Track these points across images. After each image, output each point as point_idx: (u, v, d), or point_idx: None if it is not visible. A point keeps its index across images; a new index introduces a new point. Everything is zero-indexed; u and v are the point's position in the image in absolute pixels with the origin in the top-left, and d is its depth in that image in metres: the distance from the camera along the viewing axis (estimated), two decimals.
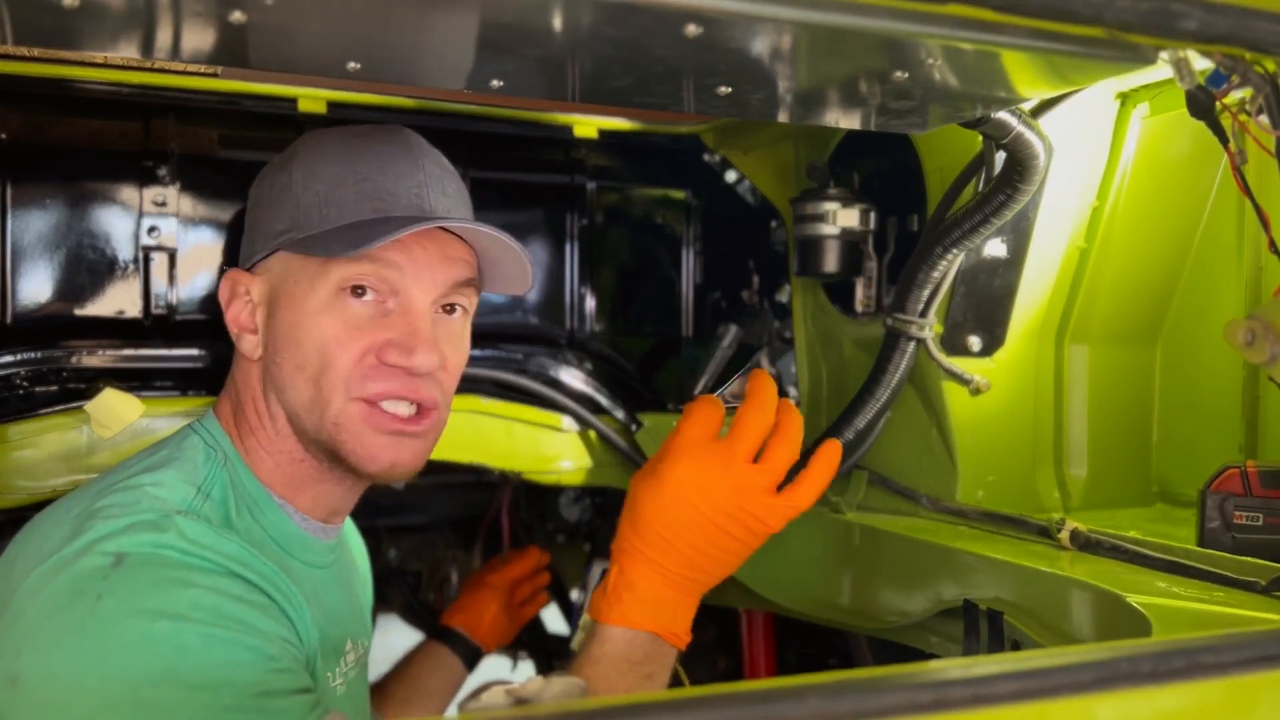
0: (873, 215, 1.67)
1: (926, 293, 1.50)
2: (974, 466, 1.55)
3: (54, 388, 1.51)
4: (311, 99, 1.65)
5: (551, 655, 2.05)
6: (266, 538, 1.13)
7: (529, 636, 2.03)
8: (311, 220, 1.15)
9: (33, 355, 1.50)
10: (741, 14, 0.84)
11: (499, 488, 2.00)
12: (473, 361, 1.73)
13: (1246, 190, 1.06)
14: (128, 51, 0.96)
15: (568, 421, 1.76)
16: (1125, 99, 1.44)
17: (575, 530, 2.06)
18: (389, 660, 1.77)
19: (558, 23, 0.88)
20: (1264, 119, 0.98)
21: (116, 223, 1.55)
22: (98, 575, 0.94)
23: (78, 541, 0.97)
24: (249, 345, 1.18)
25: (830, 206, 1.65)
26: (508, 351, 1.80)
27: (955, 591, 1.38)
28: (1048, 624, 1.24)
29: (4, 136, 1.48)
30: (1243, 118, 1.03)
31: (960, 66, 1.02)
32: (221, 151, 1.61)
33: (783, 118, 1.21)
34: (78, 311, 1.54)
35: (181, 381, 1.59)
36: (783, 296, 1.96)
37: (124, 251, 1.56)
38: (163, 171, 1.56)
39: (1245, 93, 1.01)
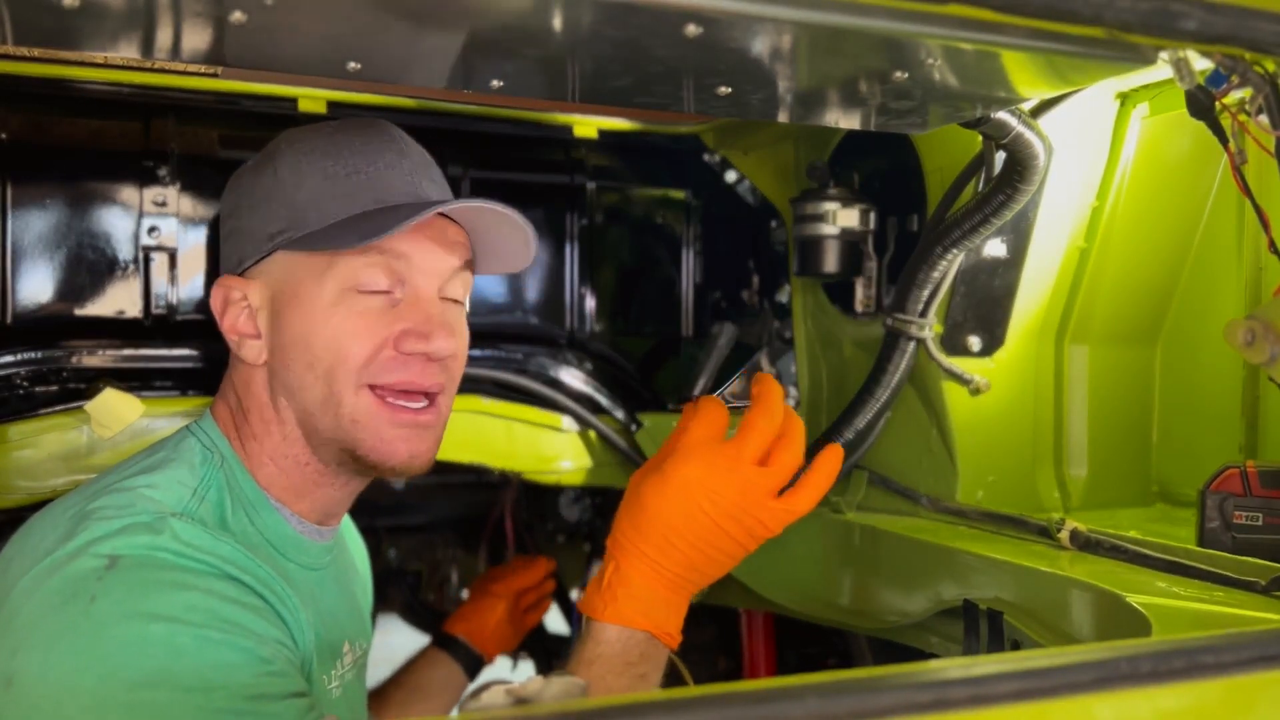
0: (873, 215, 1.67)
1: (926, 293, 1.50)
2: (974, 466, 1.55)
3: (54, 388, 1.51)
4: (311, 99, 1.65)
5: (551, 655, 2.06)
6: (262, 540, 1.13)
7: (529, 636, 2.03)
8: (309, 217, 1.14)
9: (33, 355, 1.50)
10: (741, 14, 0.84)
11: (500, 488, 2.00)
12: (473, 361, 1.74)
13: (1246, 190, 1.06)
14: (128, 51, 0.96)
15: (568, 421, 1.76)
16: (1125, 99, 1.44)
17: (575, 530, 2.06)
18: (389, 662, 1.77)
19: (558, 23, 0.88)
20: (1264, 119, 0.98)
21: (116, 223, 1.55)
22: (92, 577, 0.94)
23: (72, 543, 0.97)
24: (252, 351, 1.16)
25: (830, 206, 1.65)
26: (508, 351, 1.80)
27: (955, 591, 1.38)
28: (1048, 624, 1.24)
29: (4, 136, 1.48)
30: (1242, 118, 1.03)
31: (960, 66, 1.02)
32: (221, 151, 1.61)
33: (783, 118, 1.21)
34: (78, 311, 1.54)
35: (181, 381, 1.59)
36: (783, 296, 1.96)
37: (124, 251, 1.56)
38: (163, 171, 1.56)
39: (1245, 93, 1.01)
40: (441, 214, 1.16)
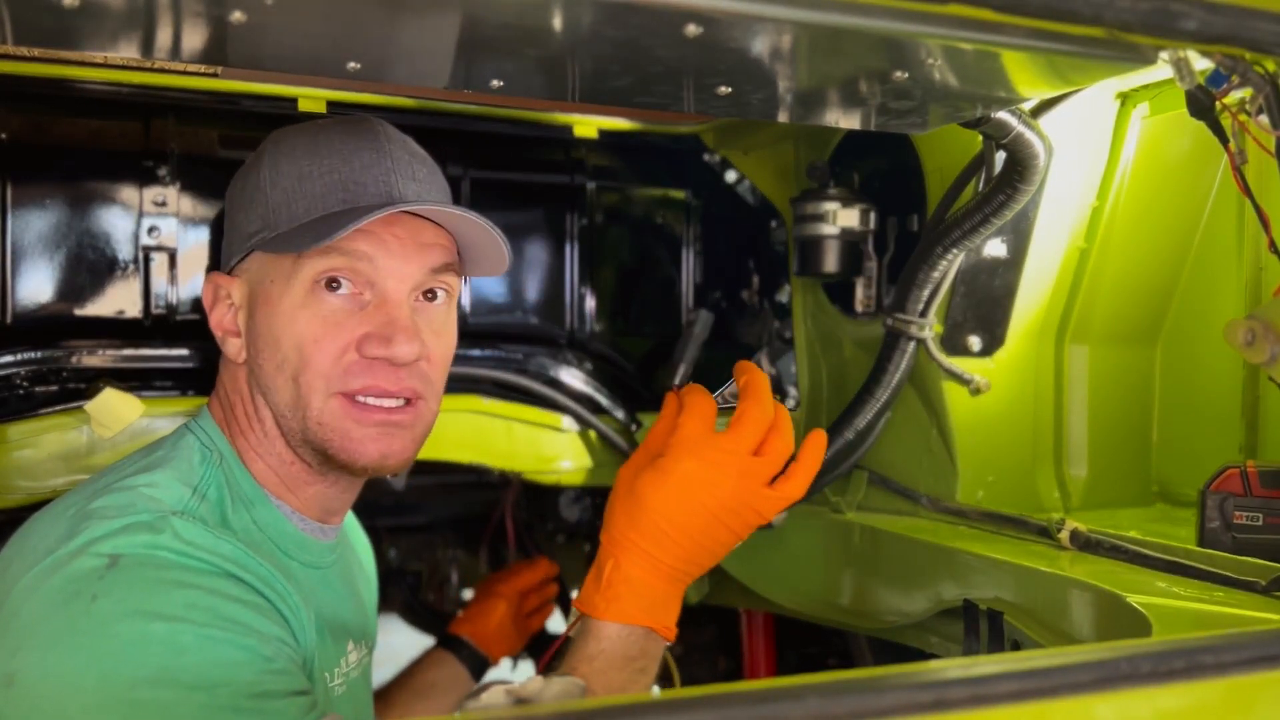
0: (873, 215, 1.67)
1: (926, 293, 1.50)
2: (974, 466, 1.55)
3: (54, 388, 1.51)
4: (311, 99, 1.65)
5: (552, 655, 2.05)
6: (263, 538, 1.13)
7: (531, 637, 2.03)
8: (281, 218, 1.14)
9: (33, 355, 1.50)
10: (741, 14, 0.84)
11: (500, 488, 2.00)
12: (473, 361, 1.74)
13: (1246, 190, 1.06)
14: (128, 51, 0.96)
15: (568, 421, 1.76)
16: (1125, 99, 1.44)
17: (575, 530, 2.06)
18: (393, 661, 1.77)
19: (558, 23, 0.88)
20: (1264, 119, 0.98)
21: (116, 222, 1.55)
22: (93, 576, 0.94)
23: (73, 542, 0.97)
24: (233, 348, 1.17)
25: (830, 206, 1.65)
26: (508, 351, 1.80)
27: (955, 591, 1.38)
28: (1048, 624, 1.24)
29: (4, 136, 1.48)
30: (1243, 118, 1.03)
31: (960, 66, 1.02)
32: (221, 151, 1.61)
33: (783, 118, 1.21)
34: (78, 311, 1.54)
35: (181, 381, 1.59)
36: (783, 296, 1.96)
37: (124, 251, 1.56)
38: (163, 171, 1.56)
39: (1245, 93, 1.01)
40: (418, 215, 1.15)
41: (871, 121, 1.24)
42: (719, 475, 1.09)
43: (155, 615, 0.92)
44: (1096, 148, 1.46)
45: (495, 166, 1.82)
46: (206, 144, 1.61)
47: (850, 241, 1.67)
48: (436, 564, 2.19)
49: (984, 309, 1.52)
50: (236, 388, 1.18)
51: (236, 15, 0.85)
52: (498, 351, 1.79)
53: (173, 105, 1.58)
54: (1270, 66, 0.97)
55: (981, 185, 1.45)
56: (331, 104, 1.66)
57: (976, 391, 1.53)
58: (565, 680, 1.00)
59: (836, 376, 1.81)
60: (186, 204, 1.58)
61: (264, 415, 1.16)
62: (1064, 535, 1.35)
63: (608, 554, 1.11)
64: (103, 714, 0.88)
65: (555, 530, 2.11)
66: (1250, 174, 1.07)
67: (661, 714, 0.64)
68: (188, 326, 1.58)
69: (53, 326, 1.52)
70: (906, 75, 1.03)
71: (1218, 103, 1.03)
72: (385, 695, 1.66)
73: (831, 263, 1.67)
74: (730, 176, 2.01)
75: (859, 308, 1.70)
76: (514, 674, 1.97)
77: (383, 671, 1.69)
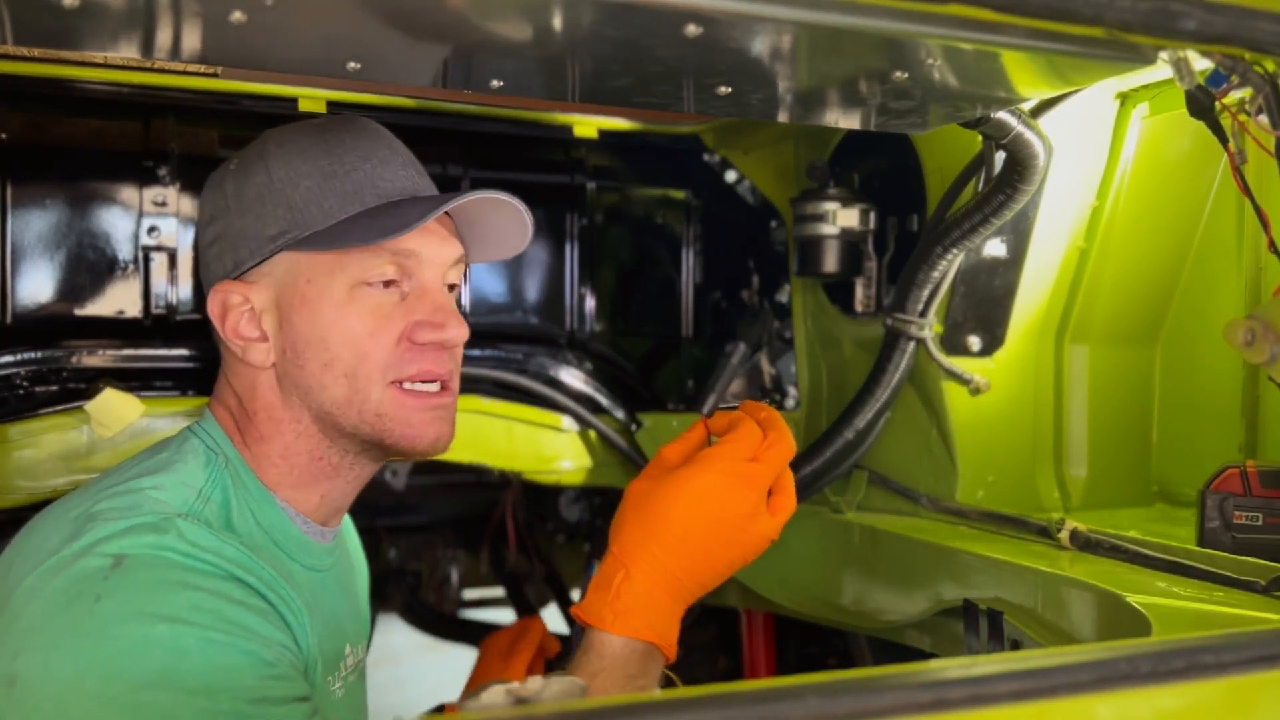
0: (873, 215, 1.67)
1: (926, 293, 1.50)
2: (974, 466, 1.55)
3: (54, 388, 1.51)
4: (311, 99, 1.65)
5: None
6: (267, 540, 1.13)
7: None
8: (312, 216, 1.14)
9: (33, 355, 1.50)
10: (741, 14, 0.84)
11: (500, 488, 2.00)
12: (473, 361, 1.74)
13: (1246, 190, 1.06)
14: (128, 51, 0.96)
15: (568, 421, 1.76)
16: (1125, 99, 1.44)
17: (575, 530, 2.06)
18: (393, 661, 1.77)
19: (558, 23, 0.88)
20: (1263, 119, 0.98)
21: (116, 222, 1.55)
22: (97, 577, 0.94)
23: (77, 543, 0.97)
24: (259, 354, 1.15)
25: (830, 206, 1.65)
26: (508, 351, 1.80)
27: (955, 591, 1.38)
28: (1048, 624, 1.24)
29: (4, 136, 1.48)
30: (1242, 118, 1.03)
31: (960, 66, 1.02)
32: (221, 151, 1.61)
33: (783, 118, 1.21)
34: (78, 311, 1.54)
35: (181, 381, 1.59)
36: (783, 296, 1.96)
37: (124, 251, 1.56)
38: (163, 171, 1.56)
39: (1245, 93, 1.01)
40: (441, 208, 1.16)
41: (871, 121, 1.24)
42: (743, 493, 1.10)
43: (158, 617, 0.92)
44: (1096, 148, 1.46)
45: (495, 166, 1.82)
46: (206, 144, 1.61)
47: (850, 241, 1.67)
48: (436, 564, 2.19)
49: (984, 309, 1.52)
50: (256, 393, 1.16)
51: (236, 15, 0.85)
52: (498, 351, 1.79)
53: (173, 105, 1.59)
54: (1270, 66, 0.97)
55: (981, 185, 1.45)
56: (331, 104, 1.66)
57: (976, 391, 1.53)
58: (565, 680, 1.00)
59: (836, 376, 1.81)
60: (186, 204, 1.58)
61: (300, 415, 1.15)
62: (1064, 535, 1.35)
63: (618, 564, 1.09)
64: (104, 715, 0.88)
65: (555, 530, 2.11)
66: (1250, 174, 1.07)
67: (661, 714, 0.64)
68: (188, 326, 1.59)
69: (53, 326, 1.52)
70: (906, 75, 1.03)
71: (1217, 103, 1.03)
72: None
73: (831, 263, 1.67)
74: (730, 176, 2.01)
75: (859, 307, 1.70)
76: None
77: (380, 672, 1.68)
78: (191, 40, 0.93)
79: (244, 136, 1.62)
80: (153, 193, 1.56)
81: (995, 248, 1.49)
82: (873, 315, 1.68)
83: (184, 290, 1.58)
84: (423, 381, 1.16)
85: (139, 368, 1.56)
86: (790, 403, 1.95)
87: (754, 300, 2.01)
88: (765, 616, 2.07)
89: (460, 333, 1.17)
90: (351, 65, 1.01)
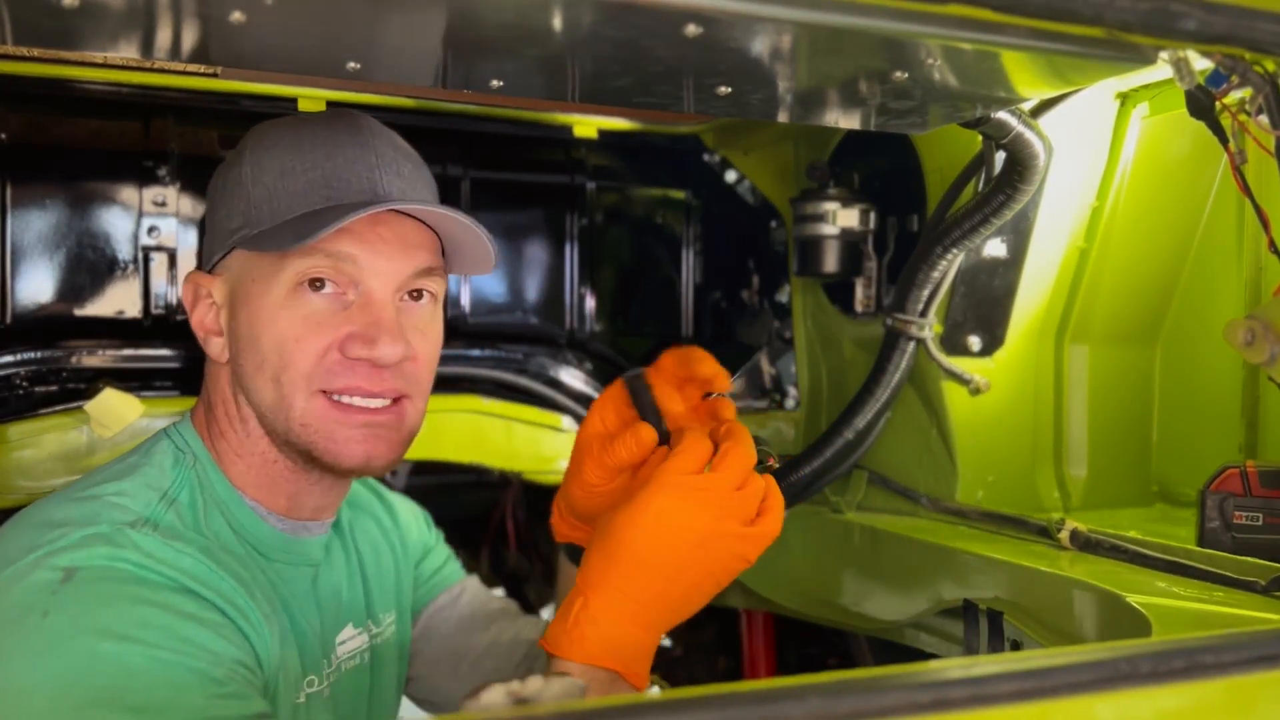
0: (872, 215, 1.67)
1: (926, 293, 1.50)
2: (974, 466, 1.55)
3: (54, 388, 1.51)
4: (311, 99, 1.65)
5: None
6: (238, 540, 1.11)
7: None
8: (263, 215, 1.12)
9: (33, 355, 1.50)
10: (742, 14, 0.84)
11: (500, 488, 2.00)
12: (473, 361, 1.74)
13: (1246, 190, 1.06)
14: (128, 51, 0.96)
15: (568, 421, 1.76)
16: (1125, 99, 1.44)
17: None
18: None
19: (558, 23, 0.88)
20: (1264, 119, 0.98)
21: (116, 223, 1.55)
22: (46, 591, 0.92)
23: (32, 555, 0.95)
24: (215, 348, 1.15)
25: (830, 206, 1.65)
26: (508, 351, 1.80)
27: (955, 591, 1.38)
28: (1048, 624, 1.24)
29: (4, 136, 1.48)
30: (1242, 118, 1.03)
31: (960, 66, 1.02)
32: (221, 151, 1.61)
33: (783, 118, 1.21)
34: (78, 311, 1.54)
35: (181, 381, 1.59)
36: (782, 296, 1.96)
37: (124, 251, 1.56)
38: (163, 171, 1.56)
39: (1245, 93, 1.01)
40: (403, 213, 1.12)
41: (871, 121, 1.24)
42: (696, 510, 1.02)
43: (105, 633, 0.90)
44: (1096, 148, 1.46)
45: (495, 166, 1.82)
46: (206, 144, 1.61)
47: (850, 241, 1.67)
48: None
49: (984, 309, 1.52)
50: (218, 388, 1.16)
51: (236, 15, 0.85)
52: (498, 351, 1.79)
53: (172, 105, 1.59)
54: (1270, 66, 0.97)
55: (981, 185, 1.45)
56: (331, 104, 1.66)
57: (976, 391, 1.53)
58: (565, 680, 0.99)
59: (836, 376, 1.81)
60: (186, 204, 1.58)
61: (246, 415, 1.14)
62: (1064, 535, 1.35)
63: (577, 593, 1.04)
64: None
65: None
66: (1250, 174, 1.07)
67: (661, 714, 0.64)
68: (187, 327, 1.58)
69: (53, 326, 1.52)
70: (906, 75, 1.03)
71: (1217, 103, 1.03)
72: None
73: (831, 263, 1.67)
74: (730, 176, 2.01)
75: (859, 308, 1.70)
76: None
77: None
78: (191, 40, 0.93)
79: (243, 136, 1.63)
80: (152, 193, 1.56)
81: (995, 248, 1.49)
82: (873, 315, 1.68)
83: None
84: (356, 396, 1.11)
85: (139, 368, 1.56)
86: (790, 403, 1.95)
87: (754, 300, 2.01)
88: (765, 617, 2.07)
89: (392, 350, 1.09)
90: (351, 65, 1.01)
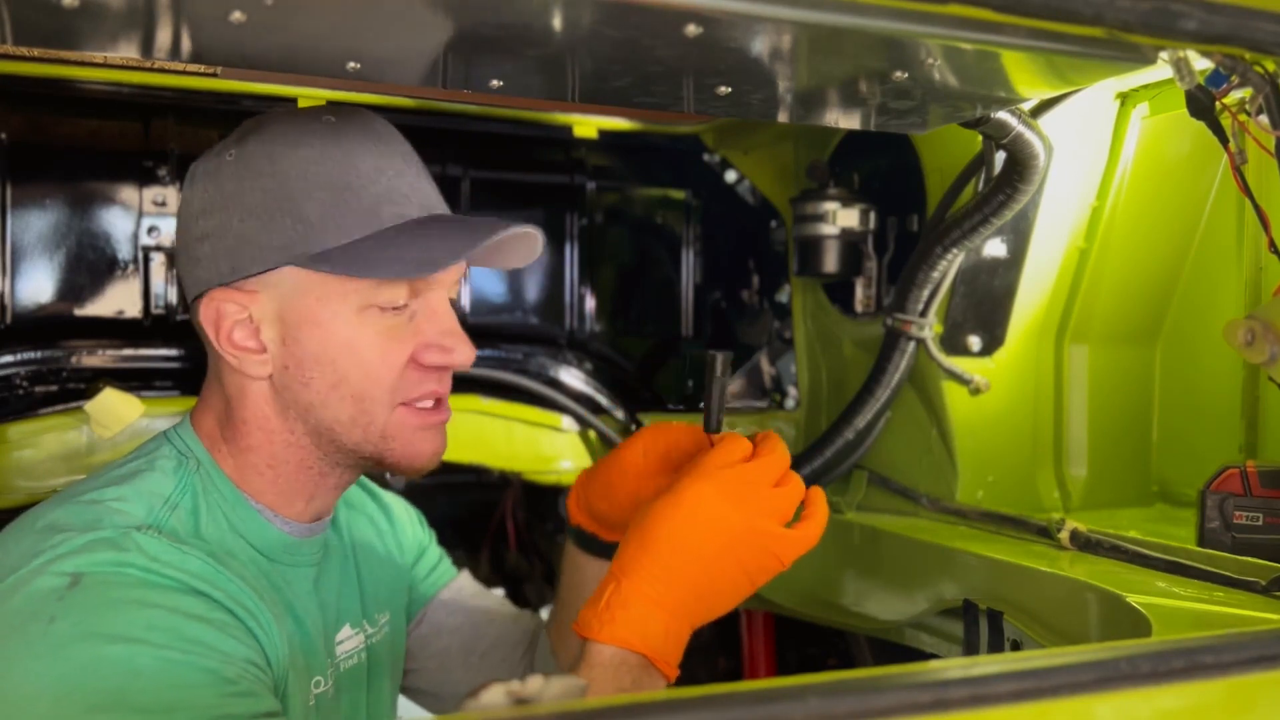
0: (872, 215, 1.67)
1: (926, 293, 1.50)
2: (974, 466, 1.55)
3: (54, 388, 1.51)
4: (311, 99, 1.65)
5: None
6: (243, 544, 1.11)
7: None
8: (327, 234, 1.07)
9: (33, 355, 1.50)
10: (742, 14, 0.84)
11: (500, 488, 2.00)
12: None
13: (1246, 190, 1.06)
14: (127, 51, 0.96)
15: (567, 421, 1.76)
16: (1125, 99, 1.44)
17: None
18: None
19: (558, 23, 0.88)
20: (1264, 119, 0.98)
21: (116, 223, 1.55)
22: (52, 597, 0.92)
23: (36, 560, 0.95)
24: (254, 366, 1.11)
25: (830, 206, 1.65)
26: (508, 351, 1.80)
27: (955, 591, 1.38)
28: (1048, 624, 1.24)
29: (4, 136, 1.48)
30: (1242, 118, 1.03)
31: (960, 66, 1.02)
32: None
33: (782, 118, 1.21)
34: (77, 311, 1.54)
35: (181, 381, 1.59)
36: (782, 296, 1.96)
37: (124, 251, 1.56)
38: (162, 171, 1.56)
39: (1245, 93, 1.01)
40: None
41: (871, 121, 1.24)
42: (734, 502, 1.06)
43: (113, 637, 0.90)
44: (1096, 148, 1.46)
45: (495, 166, 1.82)
46: (206, 144, 1.59)
47: (850, 241, 1.67)
48: None
49: (984, 309, 1.52)
50: (246, 402, 1.12)
51: (236, 15, 0.85)
52: (498, 351, 1.79)
53: (173, 105, 1.59)
54: (1270, 66, 0.97)
55: (981, 185, 1.45)
56: (331, 104, 1.65)
57: (976, 391, 1.53)
58: (566, 680, 0.99)
59: (836, 376, 1.81)
60: None
61: (295, 428, 1.12)
62: (1064, 535, 1.35)
63: (611, 577, 1.06)
64: None
65: (555, 530, 2.11)
66: (1250, 174, 1.07)
67: (662, 714, 0.64)
68: (187, 327, 1.58)
69: (52, 326, 1.52)
70: (906, 75, 1.03)
71: (1218, 103, 1.04)
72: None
73: (831, 263, 1.67)
74: (730, 176, 2.01)
75: (859, 308, 1.70)
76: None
77: None
78: (191, 40, 0.93)
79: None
80: (152, 193, 1.56)
81: (995, 248, 1.49)
82: (873, 315, 1.68)
83: None
84: (430, 400, 1.15)
85: (138, 368, 1.56)
86: (790, 403, 1.95)
87: (754, 300, 2.01)
88: (765, 616, 2.07)
89: (468, 356, 1.15)
90: (351, 65, 1.00)
